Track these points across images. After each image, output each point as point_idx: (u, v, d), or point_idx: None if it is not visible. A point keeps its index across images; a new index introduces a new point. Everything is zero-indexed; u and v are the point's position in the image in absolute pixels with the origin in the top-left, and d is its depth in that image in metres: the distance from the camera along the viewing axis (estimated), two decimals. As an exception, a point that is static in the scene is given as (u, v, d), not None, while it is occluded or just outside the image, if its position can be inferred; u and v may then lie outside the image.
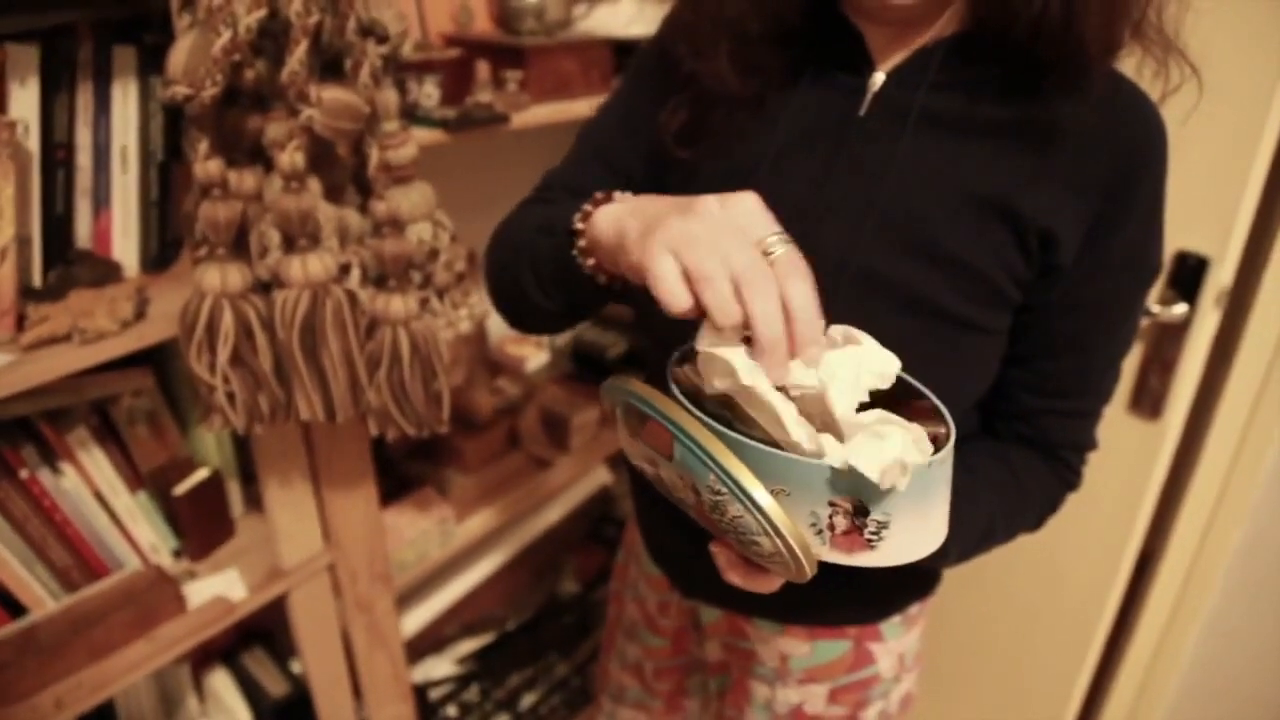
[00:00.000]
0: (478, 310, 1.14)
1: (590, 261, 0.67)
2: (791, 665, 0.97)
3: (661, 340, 0.84)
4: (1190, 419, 1.42)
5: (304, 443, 1.24)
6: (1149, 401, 1.37)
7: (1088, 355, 0.78)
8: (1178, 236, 1.27)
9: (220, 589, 1.25)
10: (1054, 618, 1.63)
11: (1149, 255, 0.75)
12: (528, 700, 1.85)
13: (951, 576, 1.61)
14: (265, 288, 1.00)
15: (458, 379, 1.63)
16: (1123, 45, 0.70)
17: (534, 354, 1.82)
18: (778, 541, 0.51)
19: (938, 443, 0.55)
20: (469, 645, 1.81)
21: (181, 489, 1.24)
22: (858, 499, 0.50)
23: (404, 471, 1.60)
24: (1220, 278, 1.26)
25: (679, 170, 0.84)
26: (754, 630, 0.98)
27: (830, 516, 0.51)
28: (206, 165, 0.92)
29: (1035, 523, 0.84)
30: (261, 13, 0.86)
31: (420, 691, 1.69)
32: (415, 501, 1.53)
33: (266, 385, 1.00)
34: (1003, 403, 0.81)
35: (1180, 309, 1.29)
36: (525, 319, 0.86)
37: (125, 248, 1.12)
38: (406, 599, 1.67)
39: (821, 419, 0.53)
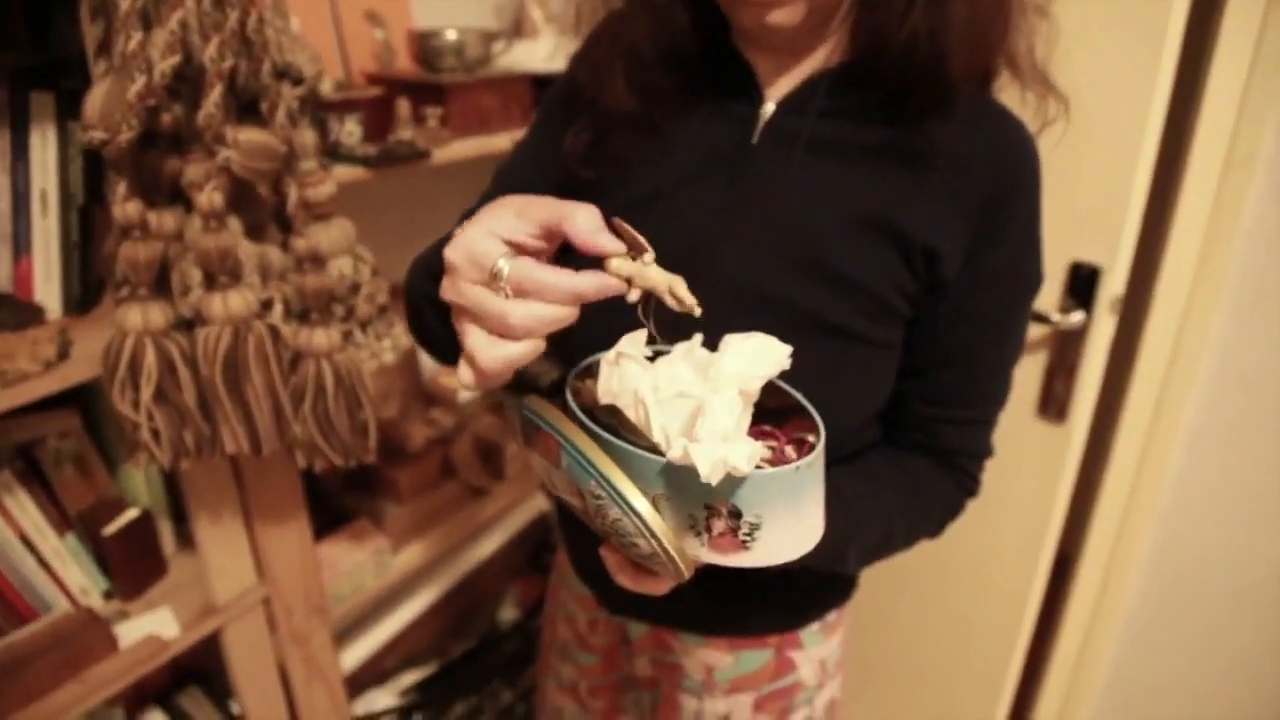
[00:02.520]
0: (401, 341, 1.17)
1: None
2: (717, 676, 1.00)
3: (572, 361, 0.87)
4: (1097, 422, 1.49)
5: (234, 478, 1.25)
6: (1054, 406, 1.43)
7: (976, 365, 0.82)
8: (1071, 248, 1.34)
9: (152, 628, 1.24)
10: (979, 620, 1.68)
11: (1028, 268, 0.81)
12: (473, 729, 1.85)
13: (876, 584, 1.67)
14: (188, 325, 1.02)
15: (391, 411, 1.65)
16: (995, 75, 0.76)
17: (467, 383, 1.84)
18: (653, 542, 0.54)
19: (810, 447, 0.59)
20: (411, 677, 1.81)
21: (111, 529, 1.24)
22: (731, 502, 0.53)
23: (338, 504, 1.61)
24: (1112, 286, 1.33)
25: (585, 200, 0.87)
26: (679, 643, 1.01)
27: (707, 519, 0.54)
28: (125, 207, 0.94)
29: (936, 528, 0.87)
30: (176, 58, 0.89)
31: (362, 725, 1.69)
32: (350, 533, 1.54)
33: (191, 420, 1.01)
34: (899, 413, 0.85)
35: (1078, 317, 1.36)
36: (442, 355, 0.89)
37: (47, 291, 1.13)
38: (345, 632, 1.68)
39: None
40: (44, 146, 1.07)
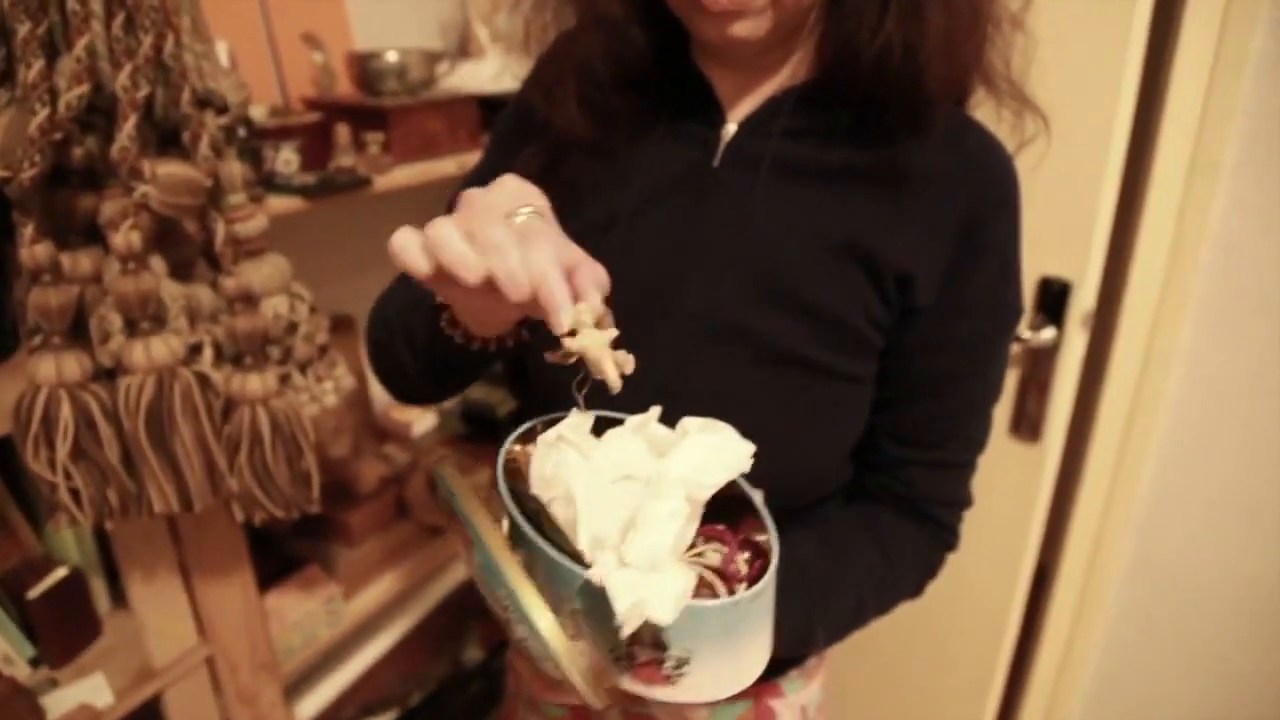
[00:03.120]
0: (344, 382, 1.10)
1: (458, 331, 0.65)
2: (691, 728, 0.94)
3: (534, 401, 0.82)
4: (1070, 435, 1.46)
5: (169, 531, 1.17)
6: (1028, 425, 1.40)
7: (947, 400, 0.76)
8: (1041, 263, 1.31)
9: (85, 696, 1.16)
10: (960, 637, 1.64)
11: (1006, 296, 0.75)
12: (438, 777, 1.77)
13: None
14: (110, 375, 0.94)
15: (343, 449, 1.57)
16: (970, 92, 0.72)
17: (420, 418, 1.77)
18: (559, 671, 0.47)
19: (764, 563, 0.51)
20: (371, 726, 1.73)
21: (36, 592, 1.15)
22: (655, 633, 0.45)
23: (285, 550, 1.53)
24: (1083, 301, 1.30)
25: None
26: None
27: (629, 647, 0.46)
28: (34, 250, 0.86)
29: (914, 590, 0.81)
30: (84, 88, 0.82)
31: (319, 781, 1.60)
32: (300, 582, 1.46)
33: (115, 478, 0.94)
34: (870, 455, 0.80)
35: (1049, 333, 1.33)
36: (410, 394, 0.85)
37: (-43, 340, 1.04)
38: (297, 685, 1.59)
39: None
40: (-52, 185, 0.99)
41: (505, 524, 0.48)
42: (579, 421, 0.51)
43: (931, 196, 0.70)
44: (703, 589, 0.50)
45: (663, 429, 0.52)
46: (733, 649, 0.48)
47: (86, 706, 1.14)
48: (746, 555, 0.54)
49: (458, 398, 1.84)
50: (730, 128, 0.74)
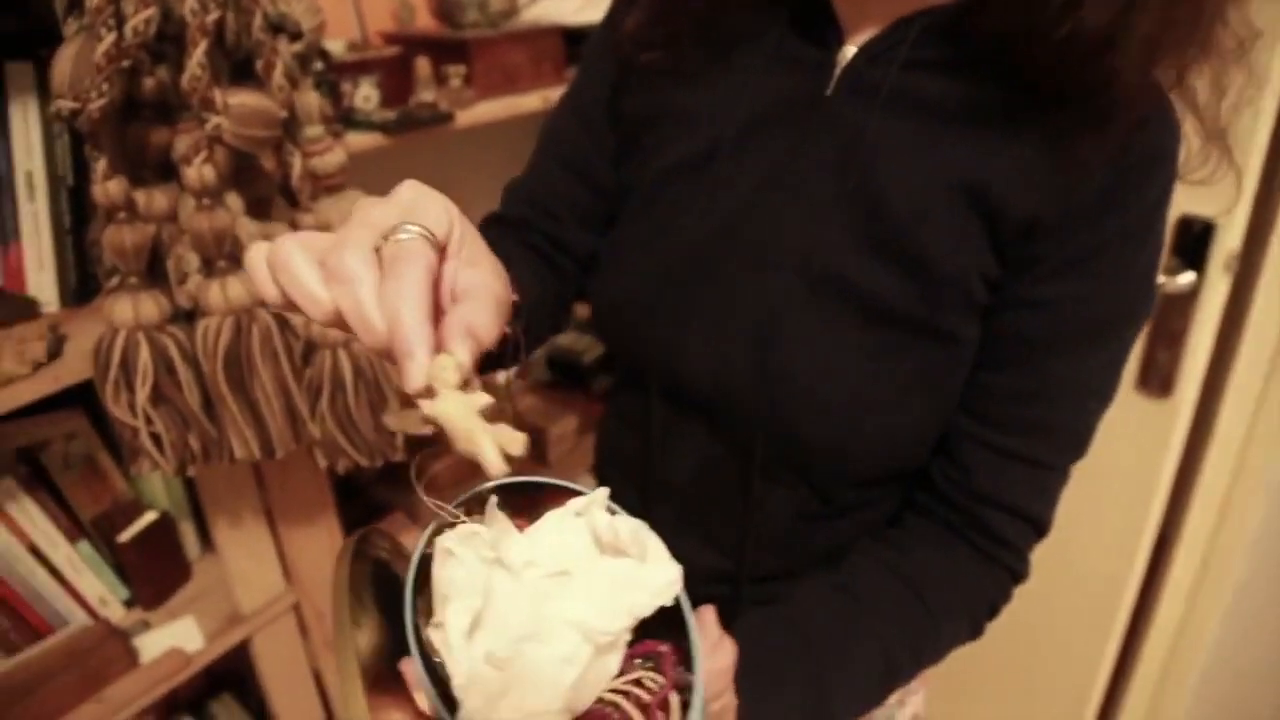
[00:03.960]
0: (427, 326, 1.06)
1: None
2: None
3: (614, 352, 0.77)
4: (1202, 393, 1.33)
5: (255, 477, 1.15)
6: (1158, 378, 1.28)
7: (1032, 374, 0.63)
8: (1180, 201, 1.18)
9: (176, 639, 1.16)
10: (1072, 605, 1.55)
11: (1131, 270, 0.62)
12: None
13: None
14: (189, 317, 0.91)
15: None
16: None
17: (507, 364, 1.73)
18: None
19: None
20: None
21: (127, 535, 1.15)
22: None
23: (371, 497, 1.51)
24: (1228, 242, 1.17)
25: (635, 157, 0.75)
26: None
27: None
28: (107, 186, 0.83)
29: (970, 632, 0.71)
30: (150, 11, 0.77)
31: (407, 726, 1.60)
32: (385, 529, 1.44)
33: (196, 423, 0.91)
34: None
35: (1187, 278, 1.20)
36: None
37: (41, 282, 1.03)
38: (385, 631, 1.59)
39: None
40: (25, 123, 0.97)
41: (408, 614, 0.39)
42: (468, 533, 0.41)
43: (1071, 142, 0.58)
44: None
45: (607, 518, 0.42)
46: None
47: (177, 650, 1.14)
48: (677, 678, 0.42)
49: (546, 344, 1.79)
50: (849, 50, 0.64)
